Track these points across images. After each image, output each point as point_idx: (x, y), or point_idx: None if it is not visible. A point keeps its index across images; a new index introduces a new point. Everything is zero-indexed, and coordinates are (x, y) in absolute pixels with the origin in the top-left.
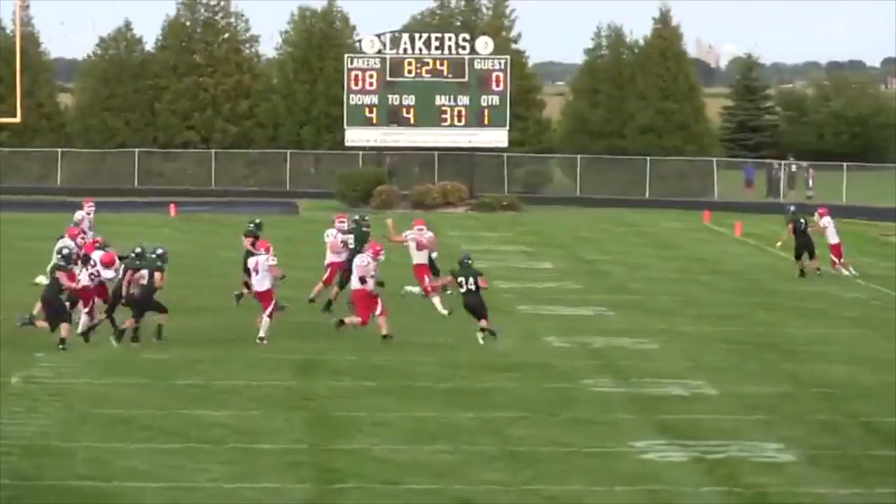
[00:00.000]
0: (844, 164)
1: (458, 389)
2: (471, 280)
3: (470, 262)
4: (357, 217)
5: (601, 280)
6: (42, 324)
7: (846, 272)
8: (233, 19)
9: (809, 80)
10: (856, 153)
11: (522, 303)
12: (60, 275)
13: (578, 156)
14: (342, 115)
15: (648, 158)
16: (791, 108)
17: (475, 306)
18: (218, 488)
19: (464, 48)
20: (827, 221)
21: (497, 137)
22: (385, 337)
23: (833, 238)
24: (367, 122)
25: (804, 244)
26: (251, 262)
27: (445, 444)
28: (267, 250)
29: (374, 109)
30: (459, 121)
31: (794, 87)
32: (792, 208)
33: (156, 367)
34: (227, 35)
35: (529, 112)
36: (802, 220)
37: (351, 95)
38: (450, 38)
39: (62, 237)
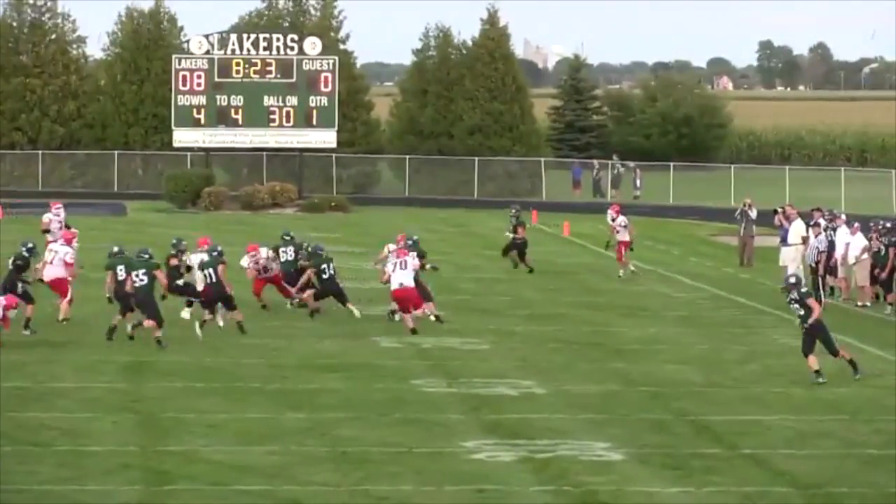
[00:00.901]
0: (671, 164)
1: (287, 391)
2: (331, 266)
3: (322, 252)
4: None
5: (431, 280)
6: (149, 323)
7: (622, 272)
8: (60, 20)
9: (636, 80)
10: (683, 153)
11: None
12: (158, 273)
13: (407, 156)
14: (170, 115)
15: (477, 159)
16: (618, 108)
17: (335, 291)
18: (47, 491)
19: (292, 49)
20: (623, 220)
21: (325, 138)
22: (413, 331)
23: (624, 236)
24: (196, 123)
25: (518, 243)
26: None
27: (275, 445)
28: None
29: (202, 110)
30: (288, 121)
31: (620, 87)
32: (513, 210)
33: None
34: (54, 36)
35: (358, 113)
36: (523, 221)
37: (179, 96)
38: (278, 39)
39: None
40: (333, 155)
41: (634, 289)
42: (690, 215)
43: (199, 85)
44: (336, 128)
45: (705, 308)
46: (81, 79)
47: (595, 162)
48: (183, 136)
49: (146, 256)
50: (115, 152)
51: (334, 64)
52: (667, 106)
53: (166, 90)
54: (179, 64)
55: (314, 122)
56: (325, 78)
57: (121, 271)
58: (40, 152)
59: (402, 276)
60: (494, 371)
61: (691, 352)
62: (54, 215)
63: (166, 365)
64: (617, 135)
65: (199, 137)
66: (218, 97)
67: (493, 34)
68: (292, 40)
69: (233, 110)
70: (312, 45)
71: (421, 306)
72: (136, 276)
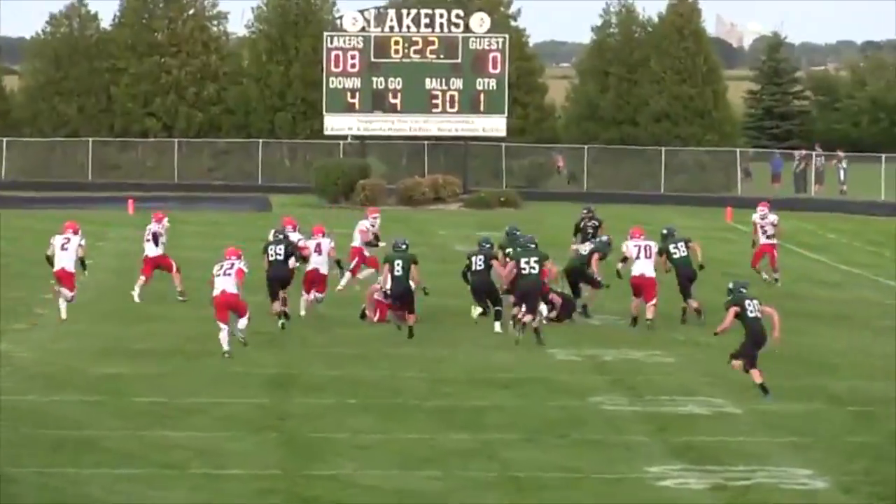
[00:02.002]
0: (883, 155)
1: (451, 408)
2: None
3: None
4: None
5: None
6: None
7: (767, 276)
8: None
9: (843, 61)
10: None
11: None
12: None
13: (586, 146)
14: (321, 100)
15: (664, 149)
16: (823, 92)
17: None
18: None
19: (457, 26)
20: (773, 219)
21: (494, 125)
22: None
23: (772, 238)
24: (349, 108)
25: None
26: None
27: (436, 469)
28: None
29: (357, 94)
30: (452, 107)
31: (825, 69)
32: (584, 210)
33: (109, 382)
34: (191, 11)
35: (530, 97)
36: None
37: (331, 78)
38: (441, 15)
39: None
40: (503, 144)
41: (839, 295)
42: None
43: (353, 66)
44: (506, 114)
45: None
46: (222, 59)
47: (797, 153)
48: (335, 123)
49: (403, 247)
50: (259, 141)
51: (504, 43)
52: (878, 90)
53: (316, 72)
54: (332, 42)
55: (481, 108)
56: (494, 58)
57: (398, 266)
58: (176, 140)
59: (644, 264)
60: (682, 387)
61: None
62: (371, 224)
63: (314, 378)
64: (821, 122)
65: (352, 124)
66: (374, 79)
67: (682, 9)
68: (457, 16)
69: (391, 94)
70: (480, 21)
71: (654, 297)
72: (397, 266)
